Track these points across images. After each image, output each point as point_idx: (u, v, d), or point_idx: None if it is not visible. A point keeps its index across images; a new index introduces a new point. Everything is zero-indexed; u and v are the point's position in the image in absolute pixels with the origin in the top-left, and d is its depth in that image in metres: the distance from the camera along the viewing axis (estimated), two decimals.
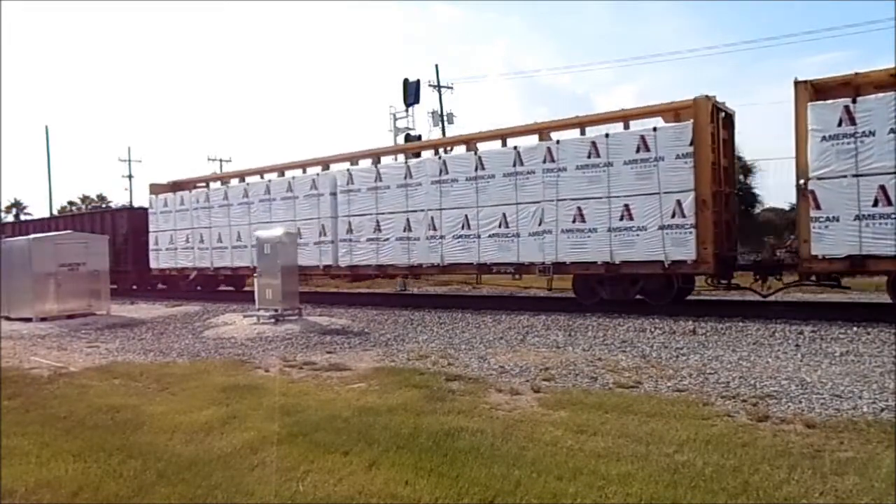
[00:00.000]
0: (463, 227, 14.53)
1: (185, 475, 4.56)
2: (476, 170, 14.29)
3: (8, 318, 15.60)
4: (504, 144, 14.98)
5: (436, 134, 33.66)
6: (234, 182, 20.73)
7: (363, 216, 16.28)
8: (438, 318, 12.88)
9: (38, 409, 6.79)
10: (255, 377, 8.16)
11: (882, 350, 8.15)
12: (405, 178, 15.48)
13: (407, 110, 32.38)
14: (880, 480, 4.01)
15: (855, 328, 9.56)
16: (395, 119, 33.11)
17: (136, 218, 23.33)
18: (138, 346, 11.51)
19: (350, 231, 16.53)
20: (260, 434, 5.43)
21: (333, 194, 16.89)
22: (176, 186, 22.51)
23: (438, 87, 36.11)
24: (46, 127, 51.99)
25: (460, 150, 15.72)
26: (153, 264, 22.09)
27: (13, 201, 59.37)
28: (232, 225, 19.41)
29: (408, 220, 15.42)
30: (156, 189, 22.59)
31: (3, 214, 53.85)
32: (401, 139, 29.97)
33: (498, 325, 11.76)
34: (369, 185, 16.15)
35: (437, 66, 40.25)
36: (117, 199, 56.33)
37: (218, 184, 21.60)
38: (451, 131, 34.06)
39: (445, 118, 36.09)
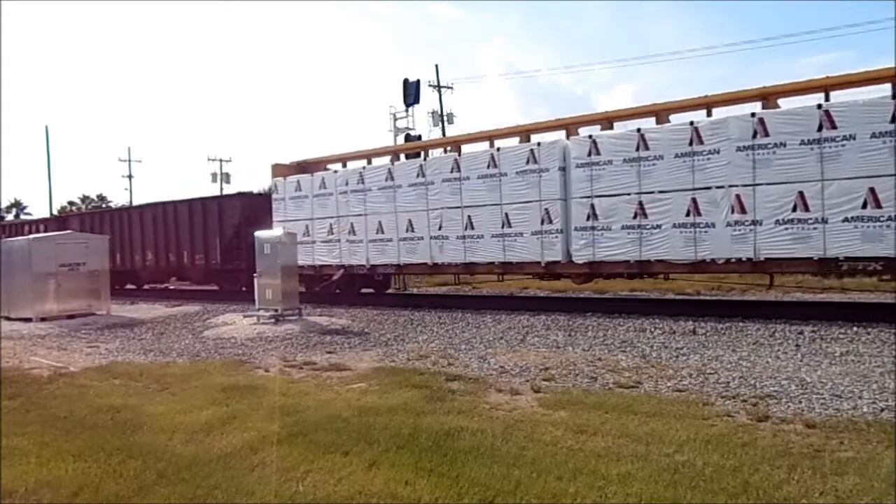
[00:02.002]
0: (795, 209, 10.71)
1: (185, 475, 4.55)
2: (820, 129, 10.46)
3: (8, 318, 15.61)
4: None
5: (436, 134, 33.71)
6: (381, 161, 16.98)
7: (615, 197, 12.45)
8: (438, 318, 12.88)
9: (38, 409, 6.79)
10: (255, 377, 8.16)
11: (882, 350, 8.14)
12: (690, 143, 11.66)
13: (407, 110, 32.44)
14: (880, 480, 4.01)
15: (855, 328, 9.55)
16: (395, 119, 33.18)
17: (252, 206, 19.47)
18: (138, 346, 11.51)
19: (593, 217, 12.74)
20: (260, 434, 5.43)
21: (563, 169, 13.14)
22: (302, 167, 18.65)
23: (438, 87, 36.17)
24: (46, 127, 51.95)
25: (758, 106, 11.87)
26: None
27: (13, 201, 59.49)
28: (399, 211, 15.56)
29: (694, 200, 11.67)
30: (280, 171, 18.51)
31: (3, 214, 53.85)
32: (401, 139, 30.02)
33: (498, 325, 11.76)
34: (628, 156, 12.30)
35: (437, 66, 40.34)
36: (117, 199, 56.39)
37: (360, 162, 17.56)
38: (451, 131, 34.09)
39: (445, 118, 36.15)
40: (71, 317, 15.45)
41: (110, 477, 4.61)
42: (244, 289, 19.23)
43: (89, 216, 26.69)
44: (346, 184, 16.66)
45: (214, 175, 53.44)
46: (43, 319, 15.10)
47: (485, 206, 14.16)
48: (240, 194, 20.44)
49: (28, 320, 15.14)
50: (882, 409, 5.60)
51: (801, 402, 5.93)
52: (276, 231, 14.26)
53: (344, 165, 18.02)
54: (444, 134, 33.08)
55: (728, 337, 9.55)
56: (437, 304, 15.31)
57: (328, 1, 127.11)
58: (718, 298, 14.80)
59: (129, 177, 55.33)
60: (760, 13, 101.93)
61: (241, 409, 6.28)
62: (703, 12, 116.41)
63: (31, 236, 17.88)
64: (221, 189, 49.27)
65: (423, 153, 17.03)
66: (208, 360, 9.62)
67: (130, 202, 49.29)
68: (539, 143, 13.62)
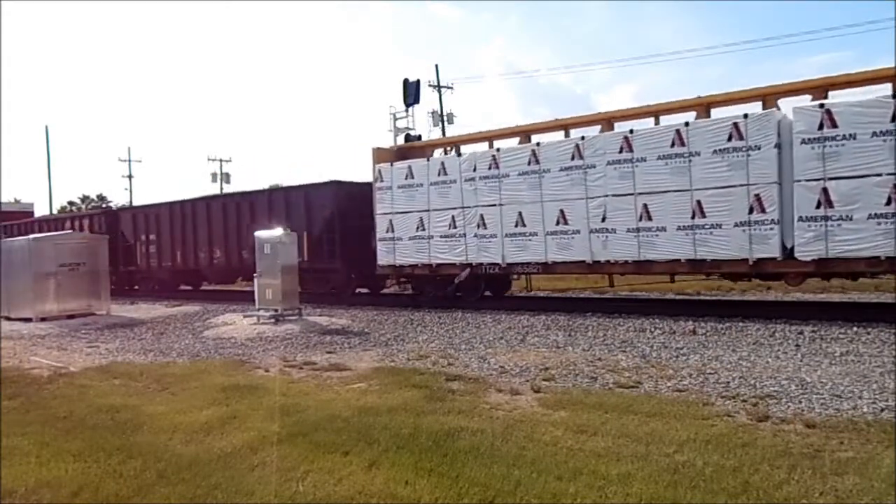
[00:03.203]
0: None
1: (185, 475, 4.56)
2: None
3: (8, 318, 15.62)
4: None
5: (436, 134, 33.68)
6: (509, 142, 14.72)
7: (861, 178, 9.99)
8: (438, 318, 12.88)
9: (38, 409, 6.79)
10: (255, 377, 8.16)
11: (882, 350, 8.14)
12: None
13: (407, 110, 32.39)
14: (880, 480, 4.01)
15: (855, 328, 9.54)
16: (395, 119, 33.15)
17: (347, 196, 17.13)
18: (138, 346, 11.52)
19: (826, 204, 10.25)
20: (260, 434, 5.43)
21: (778, 146, 10.76)
22: (402, 153, 16.52)
23: (438, 87, 36.17)
24: (46, 127, 51.94)
25: None
26: (383, 260, 15.76)
27: (14, 200, 59.42)
28: (546, 200, 13.15)
29: None
30: (382, 156, 16.14)
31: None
32: (401, 139, 29.99)
33: (498, 325, 11.76)
34: (879, 128, 9.85)
35: (437, 66, 40.27)
36: (117, 198, 56.38)
37: (471, 146, 15.44)
38: (451, 131, 34.07)
39: (445, 118, 36.15)
40: (71, 317, 15.45)
41: (110, 477, 4.61)
42: (333, 291, 17.28)
43: (143, 211, 23.28)
44: (474, 169, 14.21)
45: (214, 175, 53.43)
46: (43, 319, 15.10)
47: (667, 192, 11.76)
48: (332, 182, 17.79)
49: (28, 320, 15.15)
50: (882, 409, 5.60)
51: (801, 402, 5.93)
52: (276, 231, 14.28)
53: (458, 151, 15.67)
54: (444, 134, 33.08)
55: (728, 337, 9.55)
56: (436, 304, 15.28)
57: (328, 1, 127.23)
58: (718, 298, 14.80)
59: (129, 177, 55.25)
60: (760, 13, 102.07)
61: (241, 409, 6.29)
62: (703, 12, 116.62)
63: (31, 236, 17.87)
64: (221, 189, 49.22)
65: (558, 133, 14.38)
66: (208, 360, 9.62)
67: (130, 202, 49.25)
68: (746, 115, 11.23)
